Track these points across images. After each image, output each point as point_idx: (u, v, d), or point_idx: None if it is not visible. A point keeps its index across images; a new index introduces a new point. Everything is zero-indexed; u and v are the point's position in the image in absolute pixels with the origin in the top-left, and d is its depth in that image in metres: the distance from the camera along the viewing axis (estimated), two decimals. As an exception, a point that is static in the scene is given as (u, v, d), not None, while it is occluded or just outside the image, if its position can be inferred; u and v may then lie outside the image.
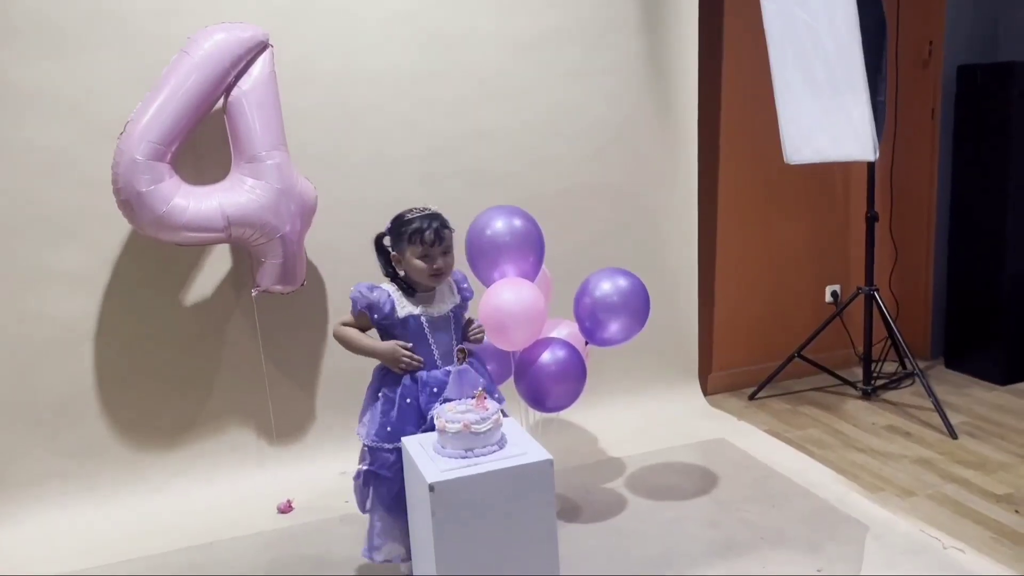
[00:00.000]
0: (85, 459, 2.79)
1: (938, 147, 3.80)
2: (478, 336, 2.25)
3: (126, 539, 2.60)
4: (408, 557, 2.16)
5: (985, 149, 3.59)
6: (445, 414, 1.95)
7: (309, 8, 2.82)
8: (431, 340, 2.14)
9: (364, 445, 2.14)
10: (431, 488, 1.81)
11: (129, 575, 2.41)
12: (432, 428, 2.03)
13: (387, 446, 2.09)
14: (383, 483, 2.10)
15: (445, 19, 2.99)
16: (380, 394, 2.14)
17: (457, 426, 1.91)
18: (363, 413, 2.18)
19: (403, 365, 2.10)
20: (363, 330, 2.17)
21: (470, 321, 2.25)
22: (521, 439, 2.01)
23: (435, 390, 2.10)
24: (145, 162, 2.41)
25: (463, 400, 2.01)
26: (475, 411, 1.94)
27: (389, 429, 2.09)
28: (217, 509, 2.76)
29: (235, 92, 2.56)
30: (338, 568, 2.39)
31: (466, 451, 1.91)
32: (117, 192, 2.44)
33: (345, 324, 2.18)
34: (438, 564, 1.84)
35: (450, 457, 1.91)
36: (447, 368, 2.13)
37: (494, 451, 1.94)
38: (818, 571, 2.24)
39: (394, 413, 2.10)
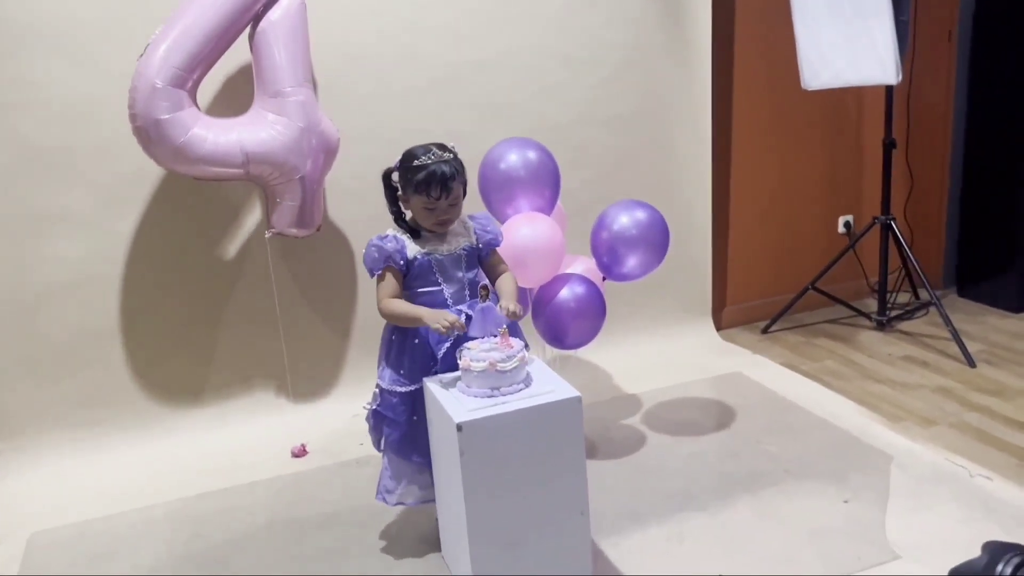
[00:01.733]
0: (96, 406, 2.74)
1: (955, 70, 3.70)
2: (515, 310, 2.01)
3: (140, 486, 2.57)
4: (423, 500, 2.14)
5: (1003, 72, 3.49)
6: (469, 353, 1.89)
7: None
8: (440, 279, 2.07)
9: (377, 385, 2.10)
10: (459, 428, 1.76)
11: (145, 522, 2.39)
12: (443, 368, 2.00)
13: (397, 389, 2.05)
14: (389, 425, 2.07)
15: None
16: (393, 336, 2.08)
17: (483, 364, 1.85)
18: (380, 358, 2.12)
19: (444, 331, 1.94)
20: (400, 282, 2.03)
21: (486, 288, 2.04)
22: (547, 377, 1.96)
23: None
24: (165, 88, 2.30)
25: (487, 339, 1.95)
26: (500, 349, 1.89)
27: (399, 373, 2.05)
28: (231, 455, 2.72)
29: (263, 22, 2.44)
30: (357, 509, 2.36)
31: (492, 390, 1.86)
32: (133, 118, 2.32)
33: (388, 295, 2.02)
34: (467, 504, 1.80)
35: (476, 396, 1.86)
36: (458, 308, 2.06)
37: (520, 389, 1.89)
38: (845, 501, 2.22)
39: (404, 355, 2.05)
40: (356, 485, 2.45)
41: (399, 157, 2.04)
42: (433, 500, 2.12)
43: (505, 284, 2.10)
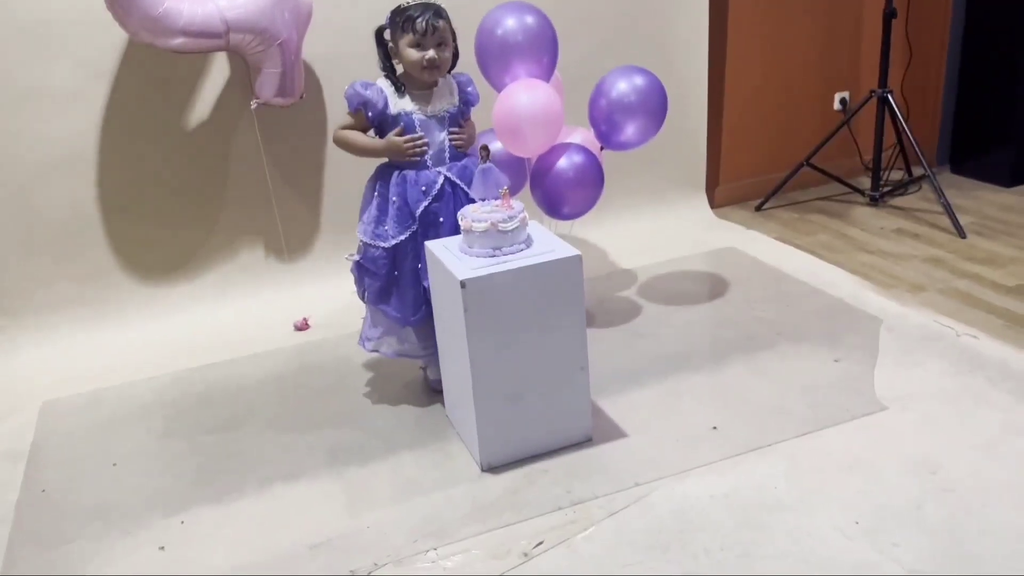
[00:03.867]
0: (98, 283, 2.75)
1: (959, -63, 3.59)
2: (457, 143, 2.12)
3: (147, 358, 2.62)
4: (400, 354, 2.22)
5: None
6: (471, 214, 1.90)
7: None
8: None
9: (359, 239, 2.15)
10: (462, 285, 1.79)
11: (154, 390, 2.44)
12: (420, 227, 2.06)
13: (380, 244, 2.09)
14: (370, 277, 2.13)
15: None
16: (375, 192, 2.12)
17: (484, 225, 1.87)
18: (362, 210, 2.17)
19: (409, 153, 2.05)
20: (363, 131, 2.12)
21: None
22: (547, 238, 1.98)
23: (423, 189, 2.07)
24: None
25: (488, 200, 1.96)
26: (501, 210, 1.90)
27: (381, 227, 2.10)
28: (234, 328, 2.77)
29: None
30: (362, 374, 2.43)
31: (494, 250, 1.88)
32: (105, -10, 2.25)
33: (344, 127, 2.13)
34: (471, 361, 1.85)
35: (478, 256, 1.88)
36: (437, 169, 2.08)
37: (521, 250, 1.91)
38: (836, 360, 2.29)
39: (385, 211, 2.09)
40: (360, 355, 2.50)
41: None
42: (411, 355, 2.23)
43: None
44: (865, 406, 2.07)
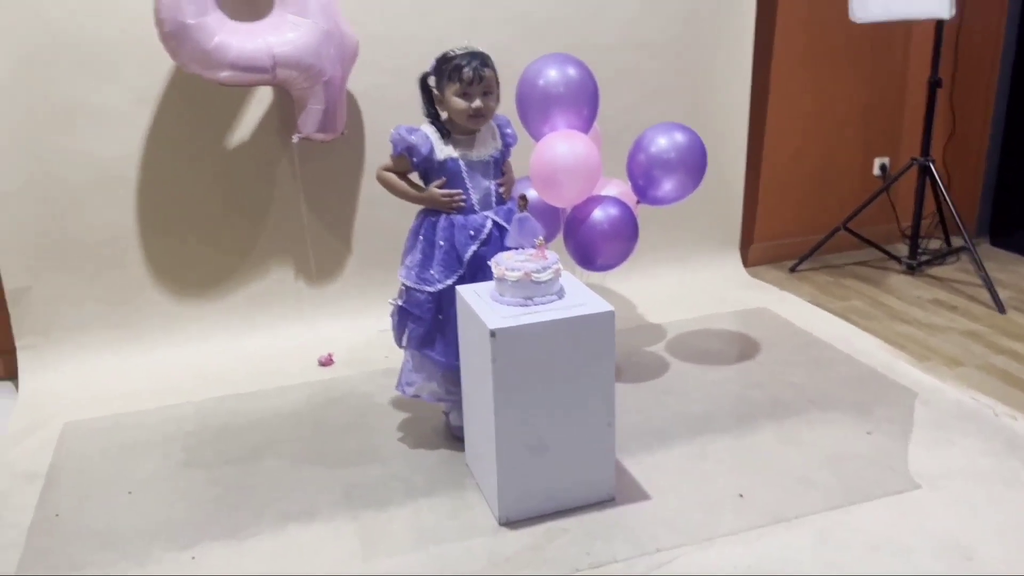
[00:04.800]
0: (128, 305, 2.78)
1: (1007, 10, 3.58)
2: (501, 191, 2.16)
3: (171, 384, 2.62)
4: (438, 398, 2.21)
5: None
6: (505, 262, 1.89)
7: None
8: (468, 184, 2.09)
9: (402, 283, 2.14)
10: (492, 334, 1.77)
11: (176, 417, 2.44)
12: (468, 272, 2.05)
13: (426, 288, 2.08)
14: (414, 321, 2.12)
15: None
16: (420, 236, 2.12)
17: (517, 274, 1.86)
18: (405, 255, 2.17)
19: (448, 208, 2.07)
20: (404, 174, 2.13)
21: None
22: (580, 291, 1.96)
23: (472, 233, 2.07)
24: None
25: (523, 249, 1.95)
26: (535, 260, 1.89)
27: (426, 272, 2.09)
28: (259, 359, 2.77)
29: None
30: (384, 413, 2.41)
31: (525, 299, 1.87)
32: (160, 24, 2.30)
33: (387, 169, 2.14)
34: (496, 411, 1.82)
35: (509, 305, 1.87)
36: (484, 213, 2.09)
37: (553, 301, 1.89)
38: (868, 432, 2.23)
39: (431, 256, 2.09)
40: (383, 393, 2.48)
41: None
42: (446, 400, 2.21)
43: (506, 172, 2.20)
44: (897, 483, 2.01)
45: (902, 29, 3.49)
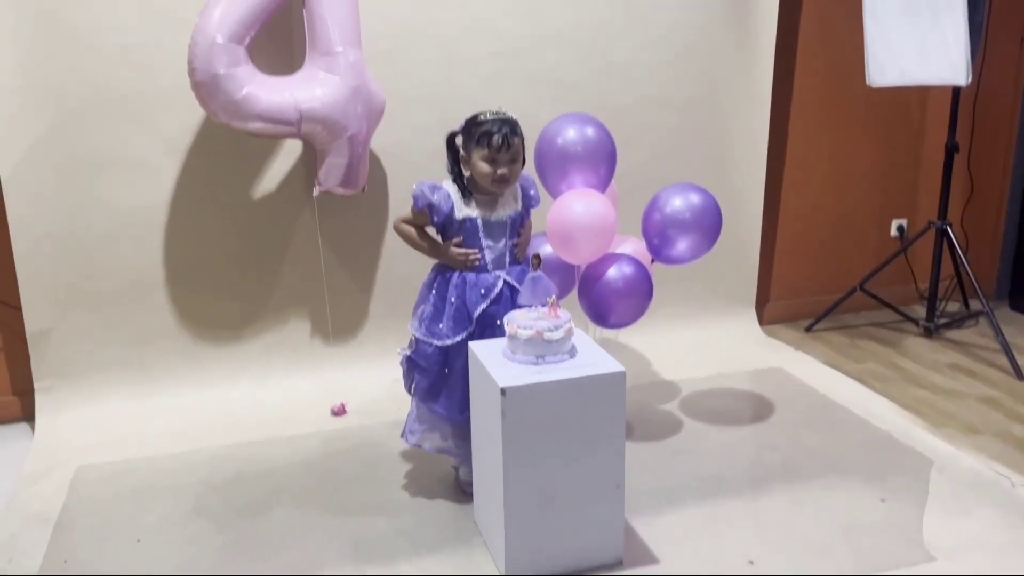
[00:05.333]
0: (147, 350, 2.81)
1: (1024, 75, 3.61)
2: (515, 252, 2.19)
3: (184, 430, 2.64)
4: (441, 450, 2.22)
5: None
6: (517, 320, 1.91)
7: None
8: (484, 243, 2.13)
9: (412, 333, 2.17)
10: (503, 392, 1.78)
11: (188, 464, 2.45)
12: (478, 328, 2.07)
13: (433, 342, 2.10)
14: (420, 373, 2.14)
15: (519, -85, 2.85)
16: (433, 290, 2.15)
17: (529, 332, 1.87)
18: (416, 306, 2.20)
19: (463, 266, 2.11)
20: (421, 227, 2.17)
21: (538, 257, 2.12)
22: (592, 350, 1.97)
23: (483, 292, 2.10)
24: (225, 44, 2.34)
25: (535, 307, 1.97)
26: (548, 318, 1.90)
27: (436, 326, 2.11)
28: (273, 407, 2.78)
29: None
30: (394, 465, 2.41)
31: (537, 358, 1.88)
32: (192, 72, 2.37)
33: (405, 221, 2.18)
34: (505, 468, 1.82)
35: (520, 363, 1.88)
36: (497, 272, 2.12)
37: (565, 360, 1.90)
38: (882, 500, 2.20)
39: (442, 311, 2.11)
40: (394, 444, 2.48)
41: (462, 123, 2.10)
42: (450, 453, 2.23)
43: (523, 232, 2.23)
44: (912, 554, 1.97)
45: (919, 92, 3.52)
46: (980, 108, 3.63)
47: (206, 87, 2.39)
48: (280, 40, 2.63)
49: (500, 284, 2.12)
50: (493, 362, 1.90)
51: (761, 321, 3.54)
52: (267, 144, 2.77)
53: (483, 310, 2.09)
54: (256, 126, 2.46)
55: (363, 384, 2.89)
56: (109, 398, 2.75)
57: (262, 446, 2.55)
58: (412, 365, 2.16)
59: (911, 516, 2.13)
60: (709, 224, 2.46)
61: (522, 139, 2.10)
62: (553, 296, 1.96)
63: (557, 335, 1.88)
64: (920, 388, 2.95)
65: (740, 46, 3.21)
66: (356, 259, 2.97)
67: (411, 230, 2.17)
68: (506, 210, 2.15)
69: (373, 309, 3.03)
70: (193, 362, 2.86)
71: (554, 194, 2.48)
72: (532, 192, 2.22)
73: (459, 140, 2.12)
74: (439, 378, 2.13)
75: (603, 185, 2.49)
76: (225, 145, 2.73)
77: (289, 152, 2.83)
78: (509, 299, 2.10)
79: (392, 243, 2.24)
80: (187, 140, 2.73)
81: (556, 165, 2.46)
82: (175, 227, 2.78)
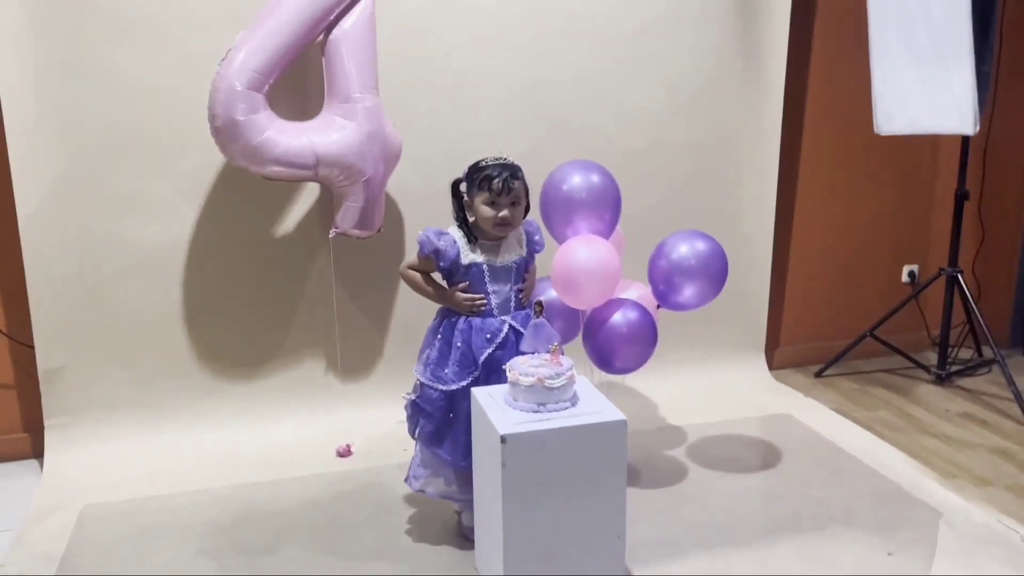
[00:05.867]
0: (159, 389, 2.83)
1: (1036, 125, 3.62)
2: (519, 297, 2.22)
3: (191, 469, 2.65)
4: (444, 495, 2.22)
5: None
6: (519, 367, 1.92)
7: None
8: (490, 289, 2.15)
9: (417, 378, 2.18)
10: (503, 439, 1.79)
11: (193, 504, 2.46)
12: (483, 373, 2.08)
13: (438, 387, 2.12)
14: (425, 417, 2.15)
15: (530, -37, 2.91)
16: (438, 335, 2.16)
17: (531, 379, 1.88)
18: (422, 351, 2.21)
19: (469, 312, 2.14)
20: (427, 272, 2.20)
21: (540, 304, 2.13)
22: (594, 398, 1.97)
23: (488, 336, 2.12)
24: (244, 91, 2.41)
25: (538, 354, 1.98)
26: (550, 366, 1.91)
27: (441, 370, 2.13)
28: (280, 447, 2.79)
29: (336, 31, 2.54)
30: (398, 508, 2.41)
31: (538, 405, 1.88)
32: (213, 118, 2.43)
33: (411, 267, 2.21)
34: (505, 516, 1.82)
35: (522, 410, 1.88)
36: (502, 318, 2.14)
37: (566, 407, 1.91)
38: (889, 554, 2.17)
39: (447, 355, 2.13)
40: (398, 487, 2.48)
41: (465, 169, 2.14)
42: (453, 498, 2.22)
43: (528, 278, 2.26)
44: (918, 610, 1.94)
45: (930, 140, 3.53)
46: (990, 155, 3.63)
47: (226, 132, 2.45)
48: (295, 85, 2.69)
49: (506, 329, 2.13)
50: (495, 408, 1.91)
51: (771, 366, 3.52)
52: (284, 186, 2.81)
53: (488, 355, 2.10)
54: (274, 170, 2.52)
55: (370, 426, 2.90)
56: (119, 436, 2.77)
57: (269, 487, 2.56)
58: (417, 409, 2.17)
59: (918, 571, 2.09)
60: (715, 271, 2.47)
61: (524, 183, 2.13)
62: (556, 343, 1.97)
63: (558, 383, 1.89)
64: (931, 437, 2.91)
65: (750, 92, 3.24)
66: (371, 300, 3.00)
67: (417, 276, 2.20)
68: (511, 255, 2.18)
69: (384, 351, 3.04)
70: (205, 401, 2.88)
71: (559, 239, 2.50)
72: (537, 237, 2.25)
73: (463, 186, 2.16)
74: (443, 423, 2.14)
75: (608, 231, 2.51)
76: (242, 187, 2.77)
77: (306, 194, 2.88)
78: (514, 344, 2.12)
79: (405, 285, 2.29)
80: (205, 182, 2.78)
81: (562, 211, 2.48)
82: (191, 267, 2.82)
